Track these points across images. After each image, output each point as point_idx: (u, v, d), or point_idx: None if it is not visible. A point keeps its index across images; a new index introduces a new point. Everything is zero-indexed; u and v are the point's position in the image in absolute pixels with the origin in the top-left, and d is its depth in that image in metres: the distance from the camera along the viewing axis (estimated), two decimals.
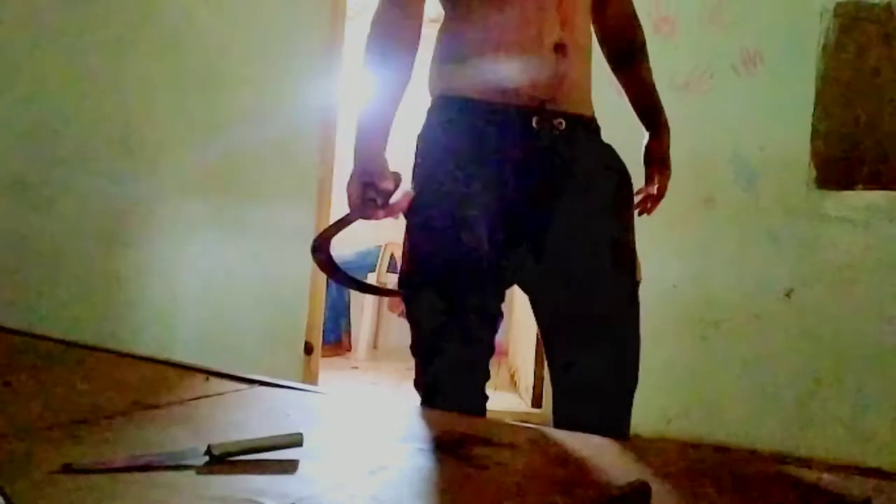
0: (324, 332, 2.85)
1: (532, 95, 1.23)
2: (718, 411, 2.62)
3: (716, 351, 2.62)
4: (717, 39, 2.62)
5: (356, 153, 1.22)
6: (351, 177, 1.22)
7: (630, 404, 1.24)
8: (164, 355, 1.29)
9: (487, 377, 1.29)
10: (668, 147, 1.46)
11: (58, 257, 2.45)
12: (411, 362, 1.28)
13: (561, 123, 1.24)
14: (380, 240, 4.35)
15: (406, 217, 1.29)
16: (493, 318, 1.27)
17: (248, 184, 2.55)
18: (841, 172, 2.53)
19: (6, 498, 0.48)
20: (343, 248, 4.07)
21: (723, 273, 2.61)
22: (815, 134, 2.55)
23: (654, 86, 1.46)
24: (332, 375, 3.37)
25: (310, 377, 2.57)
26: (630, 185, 1.31)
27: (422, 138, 1.31)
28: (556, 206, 1.22)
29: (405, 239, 1.30)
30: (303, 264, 2.59)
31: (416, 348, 1.28)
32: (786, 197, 2.58)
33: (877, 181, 2.49)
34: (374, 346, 4.45)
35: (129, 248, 2.52)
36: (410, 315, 1.29)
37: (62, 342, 1.35)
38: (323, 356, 2.81)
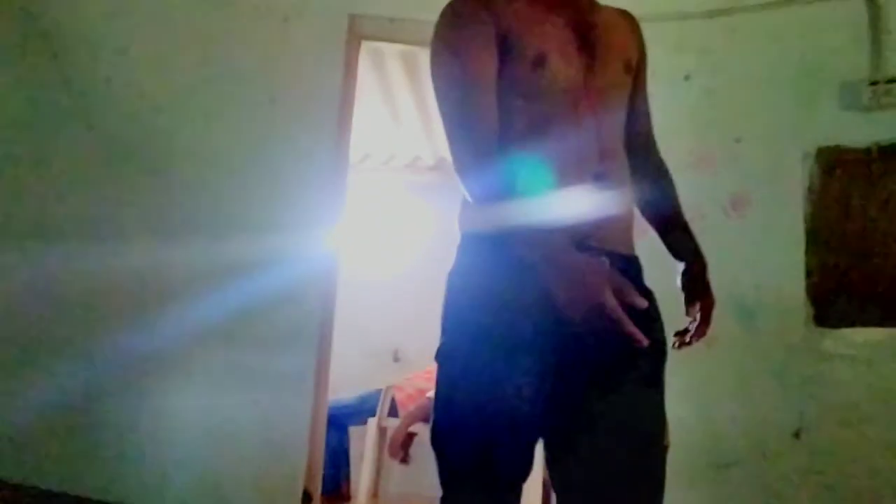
0: (323, 479, 2.76)
1: (574, 231, 1.19)
2: None
3: (727, 494, 2.54)
4: (707, 182, 2.71)
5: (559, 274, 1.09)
6: (566, 292, 1.07)
7: None
8: None
9: None
10: (706, 273, 1.41)
11: (54, 406, 2.42)
12: None
13: (605, 262, 1.17)
14: (380, 383, 4.31)
15: (439, 363, 1.25)
16: (526, 466, 1.23)
17: (248, 330, 2.56)
18: (838, 310, 2.55)
19: None
20: (343, 392, 4.02)
21: (729, 414, 2.57)
22: (809, 273, 2.59)
23: (681, 215, 1.46)
24: None
25: None
26: (665, 340, 1.29)
27: (455, 280, 1.27)
28: (593, 358, 1.18)
29: (437, 386, 1.25)
30: (303, 409, 2.57)
31: (444, 496, 1.23)
32: (786, 335, 2.59)
33: (874, 318, 2.51)
34: (375, 495, 4.30)
35: (126, 394, 2.49)
36: (441, 464, 1.24)
37: (53, 494, 1.32)
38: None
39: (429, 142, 4.76)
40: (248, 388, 2.54)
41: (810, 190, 2.64)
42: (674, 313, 1.41)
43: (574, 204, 1.22)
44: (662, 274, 1.40)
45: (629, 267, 1.29)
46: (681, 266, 1.43)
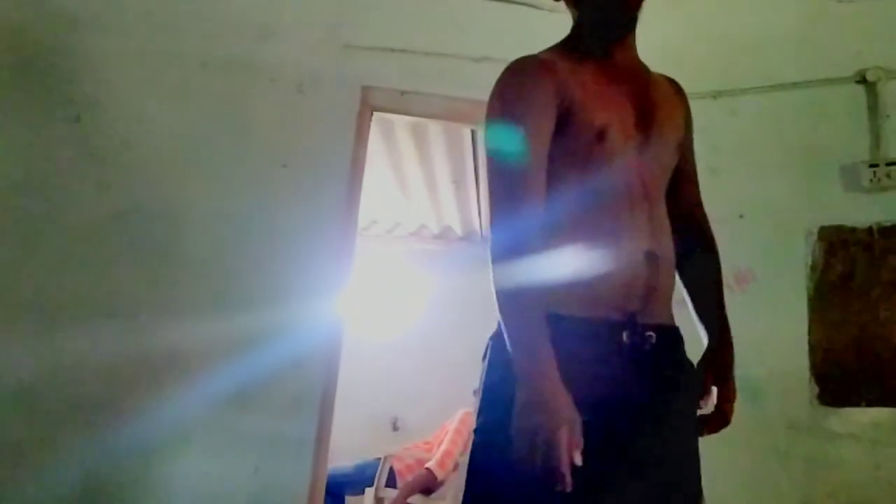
0: None
1: (623, 308, 1.18)
2: None
3: None
4: None
5: (530, 387, 1.06)
6: (525, 413, 1.05)
7: None
8: None
9: None
10: (732, 361, 1.37)
11: (56, 481, 2.38)
12: None
13: (651, 337, 1.19)
14: (378, 452, 4.25)
15: (476, 434, 1.21)
16: None
17: (252, 398, 2.54)
18: (843, 389, 2.54)
19: None
20: (341, 459, 3.97)
21: (735, 493, 2.53)
22: (813, 351, 2.59)
23: (719, 292, 1.41)
24: None
25: None
26: (696, 412, 1.27)
27: (494, 352, 1.23)
28: (638, 429, 1.16)
29: (472, 458, 1.21)
30: (302, 477, 2.53)
31: None
32: (791, 414, 2.57)
33: (879, 398, 2.50)
34: None
35: (132, 465, 2.46)
36: None
37: None
38: None
39: (434, 211, 4.82)
40: (248, 456, 2.51)
41: (813, 268, 2.66)
42: None
43: (624, 284, 1.19)
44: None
45: (673, 339, 1.27)
46: (705, 345, 1.39)
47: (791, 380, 2.58)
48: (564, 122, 1.22)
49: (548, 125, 1.21)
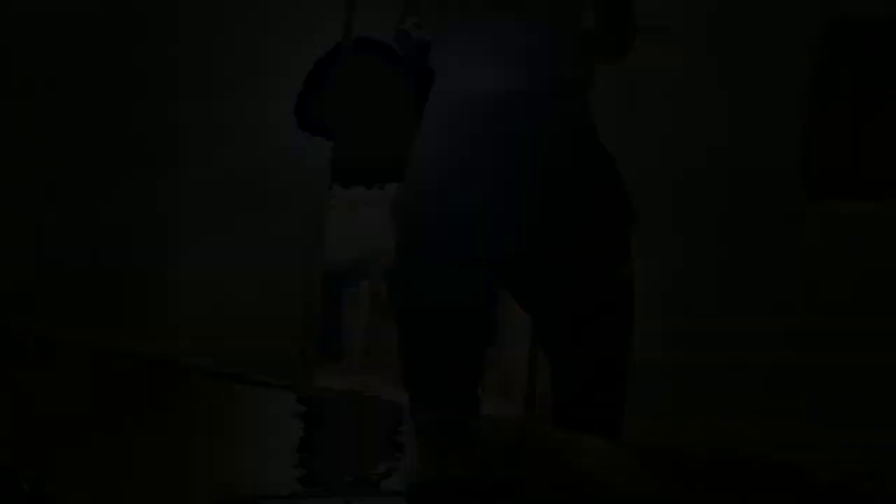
0: (318, 338, 2.85)
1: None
2: None
3: None
4: None
5: None
6: None
7: (622, 405, 1.22)
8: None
9: (481, 375, 1.27)
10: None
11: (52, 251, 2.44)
12: None
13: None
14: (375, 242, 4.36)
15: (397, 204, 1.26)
16: (488, 315, 1.25)
17: (244, 188, 2.55)
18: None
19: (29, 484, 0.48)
20: (338, 252, 4.07)
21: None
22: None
23: None
24: (326, 379, 3.36)
25: (304, 381, 2.58)
26: (624, 188, 1.24)
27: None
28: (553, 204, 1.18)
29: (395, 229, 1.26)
30: (298, 267, 2.61)
31: (401, 346, 1.24)
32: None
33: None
34: (367, 353, 4.45)
35: (129, 246, 2.51)
36: (397, 310, 1.25)
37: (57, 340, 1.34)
38: (316, 361, 2.81)
39: None
40: (248, 247, 2.56)
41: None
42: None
43: None
44: None
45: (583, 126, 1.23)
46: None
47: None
48: None
49: None
